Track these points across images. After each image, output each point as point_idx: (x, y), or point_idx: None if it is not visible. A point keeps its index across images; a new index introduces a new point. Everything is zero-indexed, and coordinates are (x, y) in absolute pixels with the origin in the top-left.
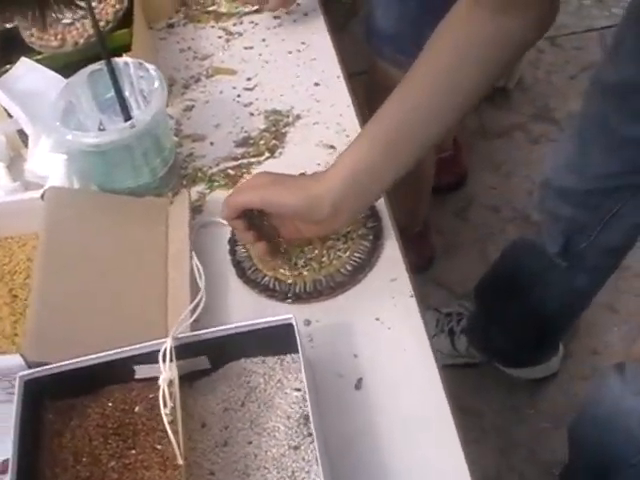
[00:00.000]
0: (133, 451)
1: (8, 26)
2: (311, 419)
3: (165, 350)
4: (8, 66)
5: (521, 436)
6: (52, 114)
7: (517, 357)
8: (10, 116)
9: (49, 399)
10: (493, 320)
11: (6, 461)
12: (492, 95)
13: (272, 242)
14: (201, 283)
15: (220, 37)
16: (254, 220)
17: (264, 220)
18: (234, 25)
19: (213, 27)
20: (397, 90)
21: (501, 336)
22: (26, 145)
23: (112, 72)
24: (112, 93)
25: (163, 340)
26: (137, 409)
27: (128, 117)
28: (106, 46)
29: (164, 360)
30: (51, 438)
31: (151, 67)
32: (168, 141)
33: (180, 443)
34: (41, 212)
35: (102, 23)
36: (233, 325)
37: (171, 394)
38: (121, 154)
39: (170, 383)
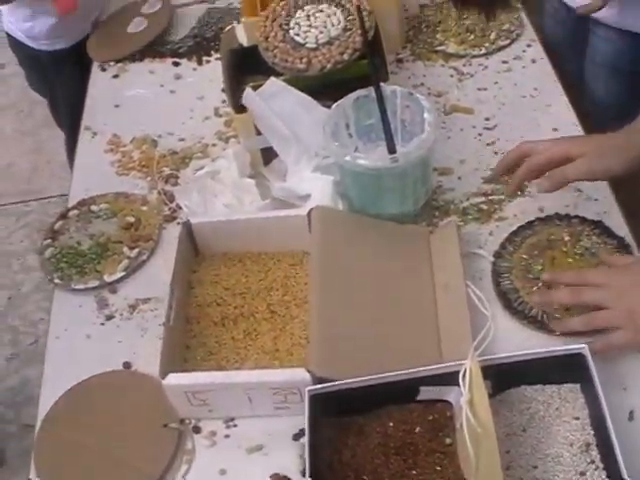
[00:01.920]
0: (414, 471)
1: (246, 45)
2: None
3: (465, 371)
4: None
5: None
6: (321, 134)
7: None
8: (258, 133)
9: (328, 415)
10: None
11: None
12: None
13: None
14: (488, 312)
15: (452, 76)
16: None
17: None
18: (464, 66)
19: (443, 66)
20: None
21: None
22: (264, 163)
23: (381, 99)
24: (372, 120)
25: (459, 362)
26: (417, 430)
27: (392, 145)
28: (379, 72)
29: (464, 381)
30: (331, 454)
31: (421, 97)
32: (431, 172)
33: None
34: (307, 231)
35: (349, 51)
36: (520, 353)
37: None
38: (395, 180)
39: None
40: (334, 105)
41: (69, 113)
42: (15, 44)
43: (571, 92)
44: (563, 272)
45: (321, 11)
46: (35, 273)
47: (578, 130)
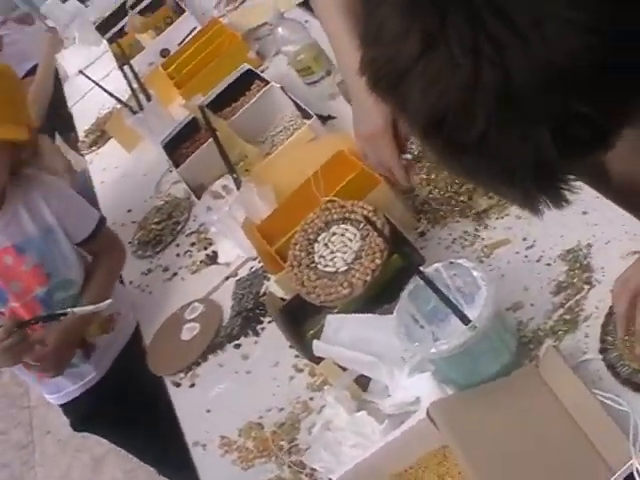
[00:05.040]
0: None
1: (288, 298)
2: None
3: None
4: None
5: None
6: (398, 341)
7: None
8: (344, 369)
9: None
10: None
11: None
12: None
13: None
14: (625, 406)
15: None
16: None
17: None
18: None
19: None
20: None
21: None
22: (363, 390)
23: (430, 283)
24: (432, 303)
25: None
26: None
27: (463, 316)
28: (413, 258)
29: None
30: None
31: (461, 261)
32: (509, 315)
33: None
34: (434, 430)
35: (377, 255)
36: None
37: None
38: (483, 343)
39: None
40: (395, 311)
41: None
42: (67, 411)
43: None
44: None
45: (334, 234)
46: None
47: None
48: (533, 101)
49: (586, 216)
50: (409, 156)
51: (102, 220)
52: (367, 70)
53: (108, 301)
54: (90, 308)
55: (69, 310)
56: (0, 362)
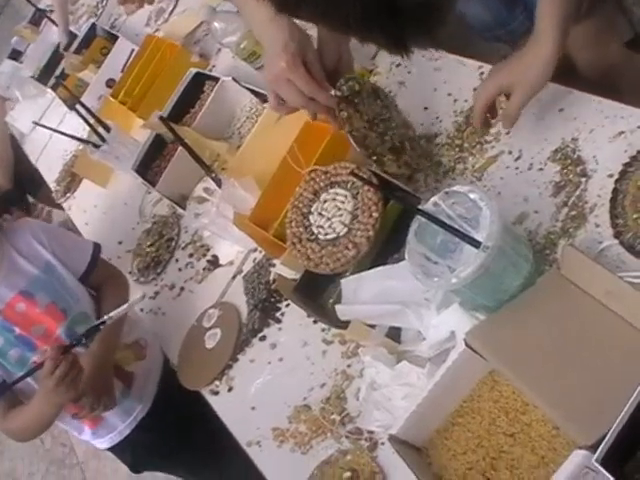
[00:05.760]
0: None
1: (299, 276)
2: None
3: None
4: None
5: None
6: (418, 284)
7: None
8: (373, 327)
9: None
10: None
11: None
12: None
13: None
14: None
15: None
16: None
17: None
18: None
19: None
20: None
21: None
22: (398, 342)
23: (431, 218)
24: (440, 236)
25: None
26: None
27: (473, 241)
28: (409, 199)
29: None
30: None
31: (457, 187)
32: (517, 228)
33: None
34: (477, 358)
35: (373, 208)
36: None
37: None
38: (499, 261)
39: None
40: (406, 254)
41: None
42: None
43: None
44: None
45: (325, 201)
46: None
47: None
48: None
49: (563, 113)
50: (337, 93)
51: (97, 246)
52: None
53: (140, 294)
54: (124, 307)
55: (105, 317)
56: (62, 396)
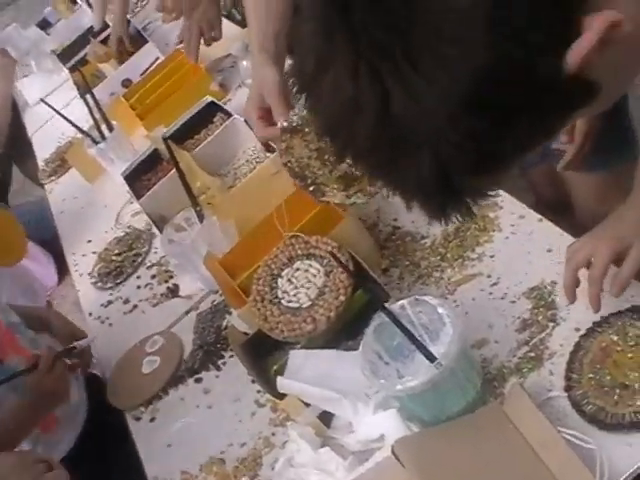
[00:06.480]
0: None
1: (251, 332)
2: None
3: None
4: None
5: None
6: (363, 377)
7: None
8: (307, 405)
9: None
10: None
11: None
12: None
13: None
14: (590, 444)
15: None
16: None
17: None
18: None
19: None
20: None
21: None
22: (327, 426)
23: (395, 320)
24: (398, 339)
25: None
26: None
27: (428, 353)
28: (378, 294)
29: None
30: None
31: (427, 297)
32: (474, 352)
33: None
34: (399, 467)
35: (342, 291)
36: None
37: None
38: (449, 381)
39: None
40: (360, 347)
41: None
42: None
43: None
44: None
45: (298, 270)
46: None
47: None
48: (410, 125)
49: (550, 254)
50: (285, 124)
51: None
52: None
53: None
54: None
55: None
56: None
